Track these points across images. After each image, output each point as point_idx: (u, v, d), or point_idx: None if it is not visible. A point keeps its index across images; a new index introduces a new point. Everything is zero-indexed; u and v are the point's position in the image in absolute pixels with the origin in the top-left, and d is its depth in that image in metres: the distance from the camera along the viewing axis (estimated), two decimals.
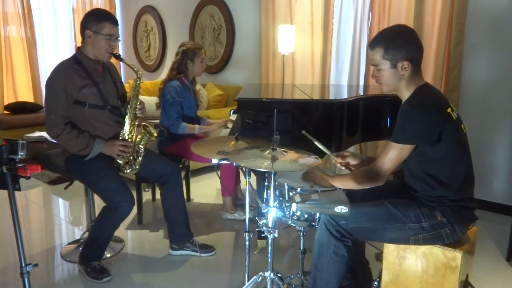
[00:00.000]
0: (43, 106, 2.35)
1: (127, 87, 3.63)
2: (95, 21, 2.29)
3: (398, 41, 1.69)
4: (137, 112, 2.45)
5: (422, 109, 1.65)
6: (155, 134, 2.51)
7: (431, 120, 1.64)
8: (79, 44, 2.43)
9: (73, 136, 2.30)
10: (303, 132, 1.98)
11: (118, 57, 2.40)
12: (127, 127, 2.46)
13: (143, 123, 2.54)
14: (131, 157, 2.48)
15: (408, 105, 1.69)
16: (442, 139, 1.65)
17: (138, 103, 2.46)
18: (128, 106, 2.46)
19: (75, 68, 2.33)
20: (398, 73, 1.70)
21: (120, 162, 2.46)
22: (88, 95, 2.33)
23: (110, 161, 2.43)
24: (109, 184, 2.33)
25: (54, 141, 2.38)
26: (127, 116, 2.45)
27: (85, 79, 2.33)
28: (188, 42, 3.24)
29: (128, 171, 2.49)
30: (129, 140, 2.47)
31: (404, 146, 1.66)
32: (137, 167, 2.49)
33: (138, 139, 2.48)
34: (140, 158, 2.49)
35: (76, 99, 2.31)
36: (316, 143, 1.94)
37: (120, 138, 2.46)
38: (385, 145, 1.77)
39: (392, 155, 1.68)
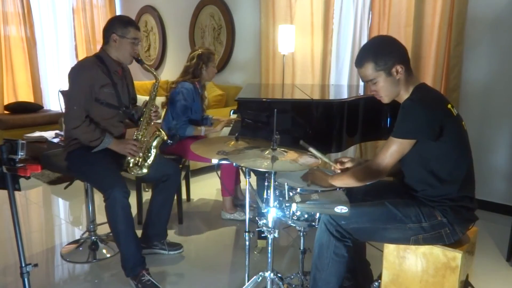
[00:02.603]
0: (67, 96, 2.37)
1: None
2: (121, 26, 2.40)
3: (384, 49, 1.71)
4: (152, 115, 2.51)
5: (423, 103, 1.65)
6: (165, 137, 2.55)
7: (431, 114, 1.64)
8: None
9: (91, 129, 2.35)
10: (301, 142, 1.97)
11: (139, 61, 2.48)
12: (142, 128, 2.50)
13: (155, 126, 2.57)
14: (141, 158, 2.50)
15: (409, 100, 1.70)
16: (443, 135, 1.65)
17: (154, 106, 2.52)
18: (145, 108, 2.51)
19: (100, 65, 2.40)
20: (394, 79, 1.71)
21: (130, 161, 2.48)
22: (107, 94, 2.41)
23: (112, 156, 2.44)
24: (100, 172, 2.34)
25: (62, 133, 2.41)
26: (142, 117, 2.50)
27: (107, 78, 2.41)
28: (200, 47, 3.27)
29: (137, 172, 2.49)
30: (142, 140, 2.50)
31: (404, 141, 1.67)
32: (145, 170, 2.49)
33: (150, 140, 2.51)
34: (150, 161, 2.50)
35: (96, 97, 2.38)
36: (314, 151, 1.92)
37: (134, 138, 2.49)
38: None
39: (392, 150, 1.68)
